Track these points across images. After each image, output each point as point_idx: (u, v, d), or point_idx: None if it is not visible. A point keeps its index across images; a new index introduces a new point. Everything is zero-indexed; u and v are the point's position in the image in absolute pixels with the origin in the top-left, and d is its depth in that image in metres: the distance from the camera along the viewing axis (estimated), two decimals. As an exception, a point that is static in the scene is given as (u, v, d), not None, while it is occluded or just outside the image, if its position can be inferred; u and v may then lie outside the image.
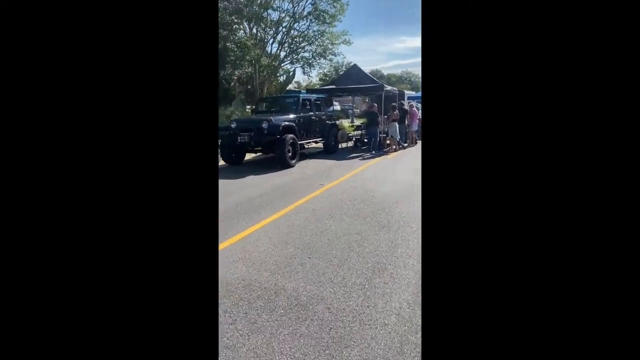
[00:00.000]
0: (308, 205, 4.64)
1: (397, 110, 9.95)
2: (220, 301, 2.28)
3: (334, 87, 12.29)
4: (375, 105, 10.14)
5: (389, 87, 11.96)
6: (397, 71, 56.61)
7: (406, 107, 10.43)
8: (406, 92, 16.04)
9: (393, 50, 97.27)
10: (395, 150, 9.82)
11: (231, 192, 5.37)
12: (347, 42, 22.31)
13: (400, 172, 6.86)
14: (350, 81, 12.00)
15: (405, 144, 10.48)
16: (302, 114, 8.64)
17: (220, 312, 2.16)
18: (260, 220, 3.98)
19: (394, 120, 9.73)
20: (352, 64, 15.79)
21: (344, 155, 9.41)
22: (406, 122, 10.24)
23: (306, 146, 9.16)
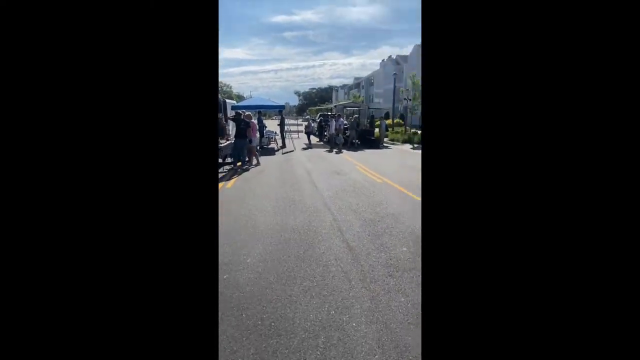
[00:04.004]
0: None
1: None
2: None
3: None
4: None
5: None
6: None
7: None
8: (227, 100, 13.89)
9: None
10: (237, 173, 7.51)
11: None
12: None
13: (257, 212, 4.66)
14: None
15: (246, 164, 8.31)
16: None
17: None
18: None
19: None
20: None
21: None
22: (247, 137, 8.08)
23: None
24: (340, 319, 2.21)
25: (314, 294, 2.52)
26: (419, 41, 36.48)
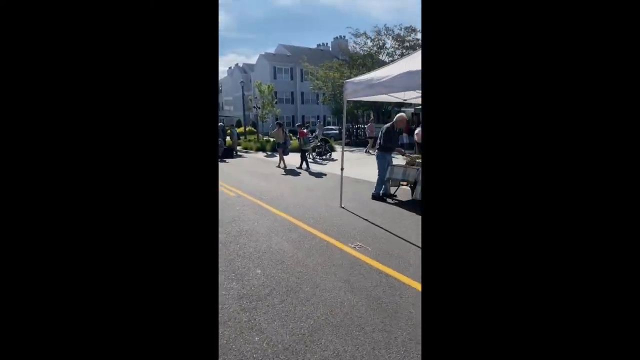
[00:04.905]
0: None
1: None
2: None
3: None
4: None
5: None
6: None
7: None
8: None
9: None
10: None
11: None
12: None
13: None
14: None
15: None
16: None
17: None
18: None
19: None
20: None
21: None
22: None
23: None
24: (177, 394, 1.70)
25: None
26: (264, 51, 37.48)
